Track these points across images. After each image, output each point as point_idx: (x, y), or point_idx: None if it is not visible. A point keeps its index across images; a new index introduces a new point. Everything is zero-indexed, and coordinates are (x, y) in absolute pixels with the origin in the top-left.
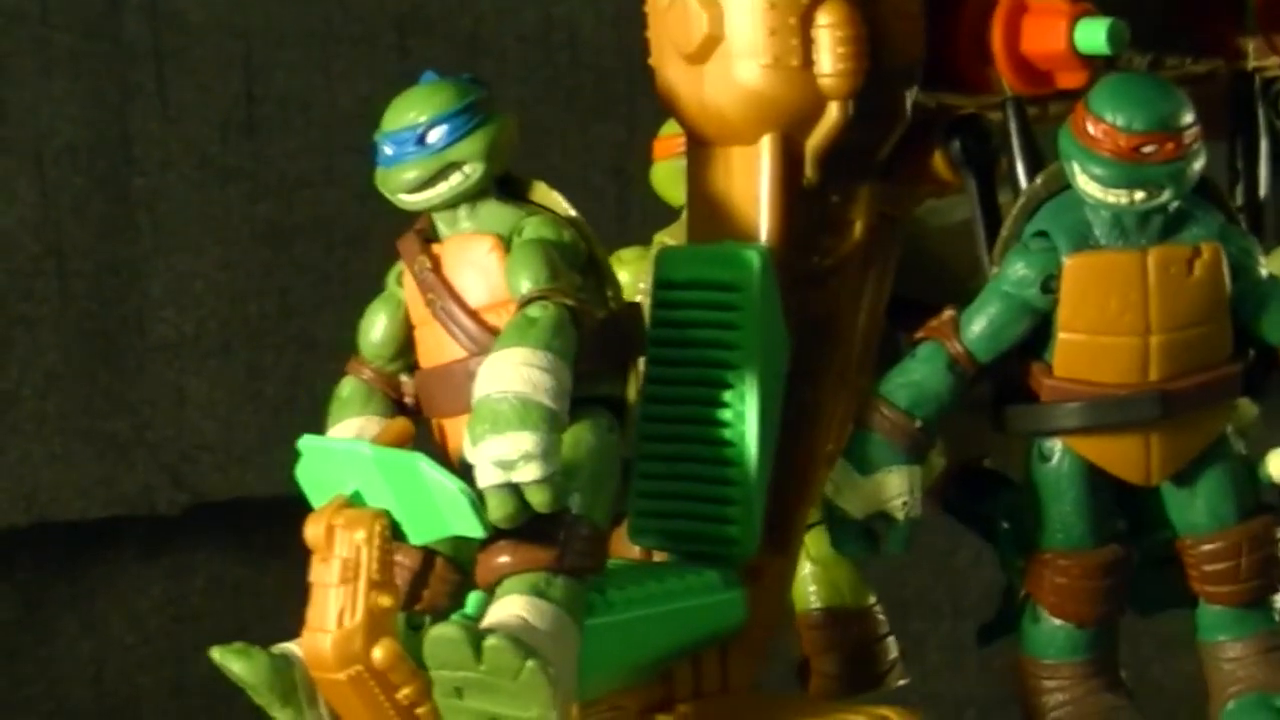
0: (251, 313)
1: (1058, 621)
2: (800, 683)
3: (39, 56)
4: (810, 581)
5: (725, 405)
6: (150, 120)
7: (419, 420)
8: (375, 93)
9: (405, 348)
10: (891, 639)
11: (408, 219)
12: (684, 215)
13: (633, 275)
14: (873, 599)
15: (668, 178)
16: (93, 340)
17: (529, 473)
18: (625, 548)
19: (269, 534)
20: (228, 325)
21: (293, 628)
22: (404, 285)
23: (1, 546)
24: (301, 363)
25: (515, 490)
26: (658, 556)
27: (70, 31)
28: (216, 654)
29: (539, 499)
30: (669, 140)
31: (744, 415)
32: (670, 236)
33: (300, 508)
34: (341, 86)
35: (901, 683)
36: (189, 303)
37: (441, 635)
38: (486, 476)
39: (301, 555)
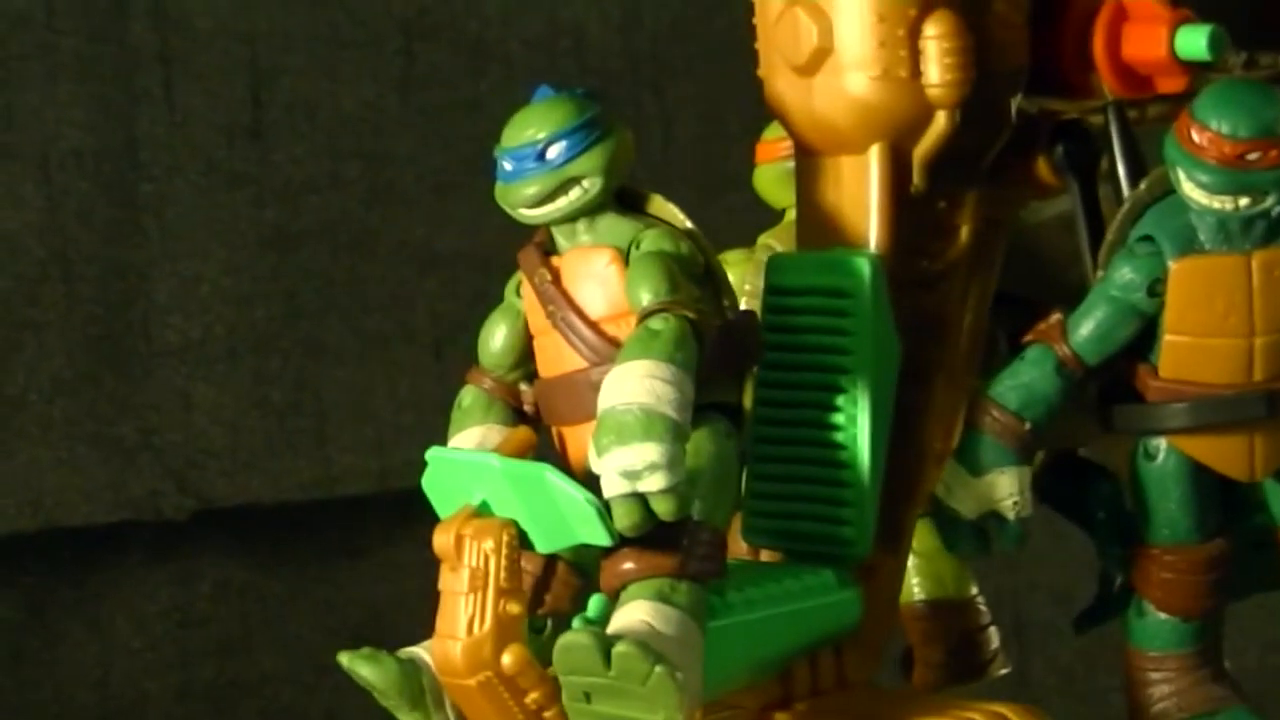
0: (258, 318)
1: (1164, 615)
2: (904, 672)
3: (45, 61)
4: (914, 574)
5: (838, 408)
6: (157, 125)
7: (539, 428)
8: (381, 97)
9: (524, 357)
10: (994, 629)
11: (412, 227)
12: (787, 218)
13: (738, 277)
14: (975, 590)
15: (772, 180)
16: (99, 345)
17: (654, 482)
18: (733, 544)
19: (275, 539)
20: (234, 330)
21: (298, 632)
22: (523, 296)
23: (8, 551)
24: (308, 368)
25: (641, 499)
26: (764, 555)
27: (76, 36)
28: (345, 659)
29: (664, 508)
30: (772, 144)
31: (856, 418)
32: (774, 239)
33: (304, 513)
34: (347, 91)
35: (1004, 672)
36: (195, 308)
37: (571, 642)
38: (613, 486)
39: (307, 560)
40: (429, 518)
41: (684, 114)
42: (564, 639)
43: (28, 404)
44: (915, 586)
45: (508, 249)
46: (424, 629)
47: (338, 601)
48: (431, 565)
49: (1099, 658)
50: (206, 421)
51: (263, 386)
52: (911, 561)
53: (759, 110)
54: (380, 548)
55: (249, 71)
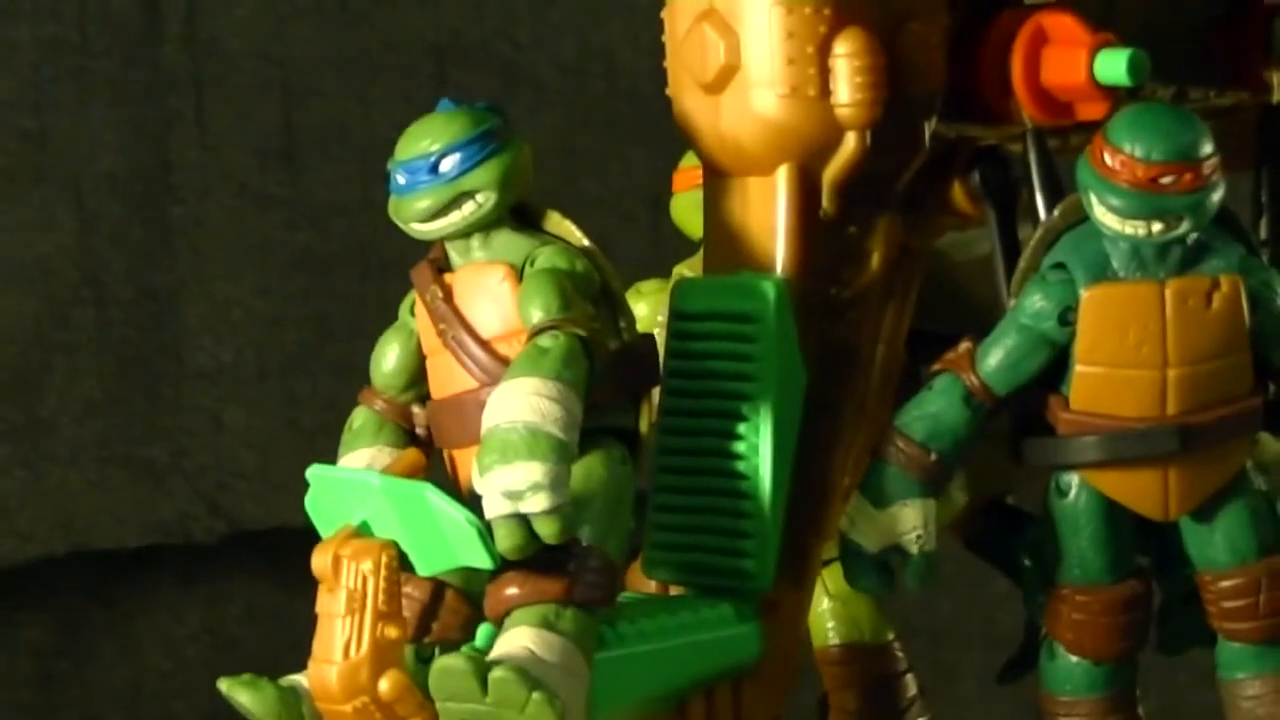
0: (289, 340)
1: (1075, 658)
2: (820, 719)
3: (78, 84)
4: (829, 617)
5: (741, 437)
6: (189, 148)
7: (431, 451)
8: (413, 120)
9: (417, 378)
10: (911, 675)
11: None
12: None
13: (651, 307)
14: (891, 635)
15: (687, 209)
16: (130, 368)
17: (537, 503)
18: (641, 581)
19: (305, 562)
20: (265, 353)
21: None
22: (416, 315)
23: (39, 573)
24: (338, 390)
25: (524, 521)
26: (674, 590)
27: (109, 59)
28: (224, 685)
29: (547, 530)
30: (689, 172)
31: (759, 447)
32: (690, 269)
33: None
34: (379, 115)
35: (922, 719)
36: (227, 330)
37: (447, 666)
38: (495, 507)
39: None
40: None
41: None
42: (440, 663)
43: (59, 426)
44: (830, 630)
45: None
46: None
47: None
48: None
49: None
50: (237, 444)
51: (293, 409)
52: (827, 604)
53: None
54: None
55: (281, 94)
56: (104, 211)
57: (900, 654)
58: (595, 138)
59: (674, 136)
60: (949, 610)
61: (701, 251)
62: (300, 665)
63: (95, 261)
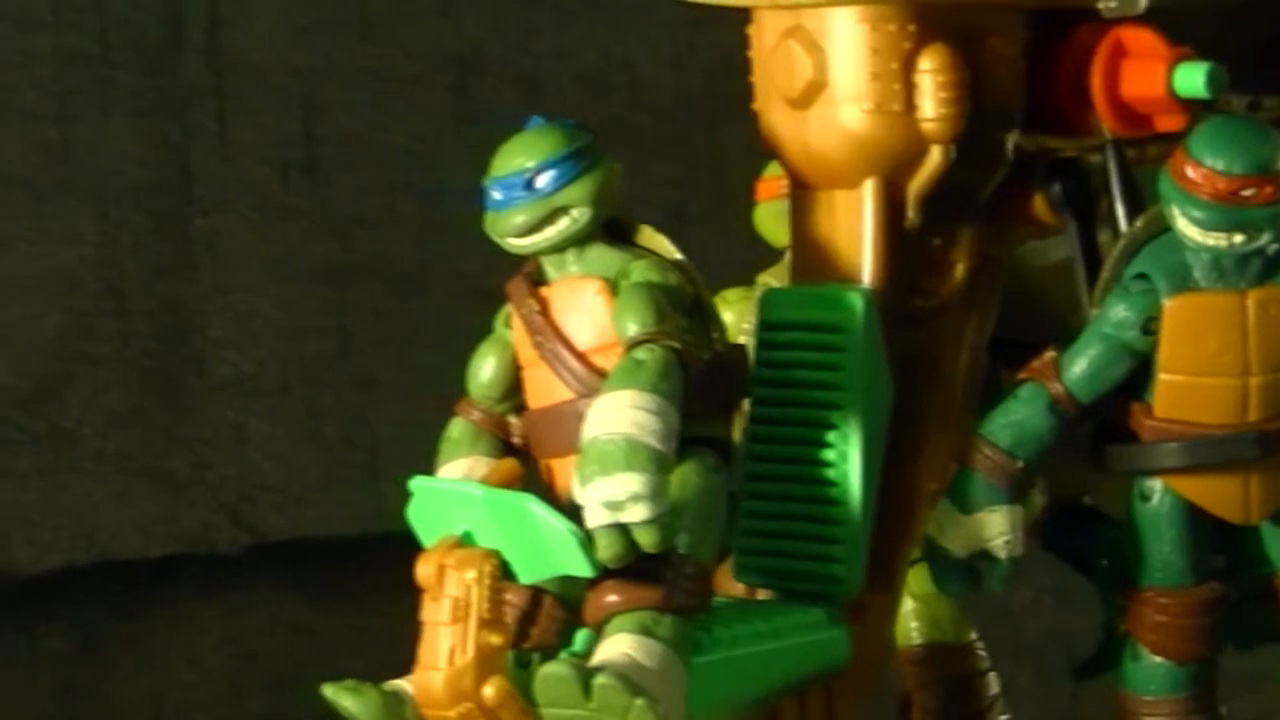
0: (311, 352)
1: (1157, 659)
2: (901, 718)
3: (100, 96)
4: (912, 617)
5: (829, 445)
6: (210, 160)
7: (526, 460)
8: (434, 132)
9: (513, 389)
10: (993, 675)
11: (465, 261)
12: (787, 256)
13: (736, 315)
14: (974, 635)
15: (770, 218)
16: (153, 379)
17: (637, 513)
18: (729, 585)
19: (328, 574)
20: (287, 365)
21: (350, 666)
22: (512, 327)
23: (61, 584)
24: (361, 402)
25: (623, 530)
26: (760, 594)
27: (131, 71)
28: (329, 691)
29: (646, 539)
30: (772, 182)
31: (848, 455)
32: (774, 277)
33: (356, 547)
34: (401, 126)
35: (1002, 718)
36: (249, 342)
37: (551, 673)
38: (595, 517)
39: (360, 595)
40: None
41: (737, 151)
42: (544, 670)
43: (81, 438)
44: (913, 630)
45: None
46: None
47: (390, 636)
48: None
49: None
50: (259, 456)
51: (316, 420)
52: (909, 605)
53: None
54: None
55: (302, 106)
56: (126, 223)
57: (982, 653)
58: (616, 150)
59: (695, 148)
60: (977, 620)
61: (785, 260)
62: (323, 676)
63: (117, 273)
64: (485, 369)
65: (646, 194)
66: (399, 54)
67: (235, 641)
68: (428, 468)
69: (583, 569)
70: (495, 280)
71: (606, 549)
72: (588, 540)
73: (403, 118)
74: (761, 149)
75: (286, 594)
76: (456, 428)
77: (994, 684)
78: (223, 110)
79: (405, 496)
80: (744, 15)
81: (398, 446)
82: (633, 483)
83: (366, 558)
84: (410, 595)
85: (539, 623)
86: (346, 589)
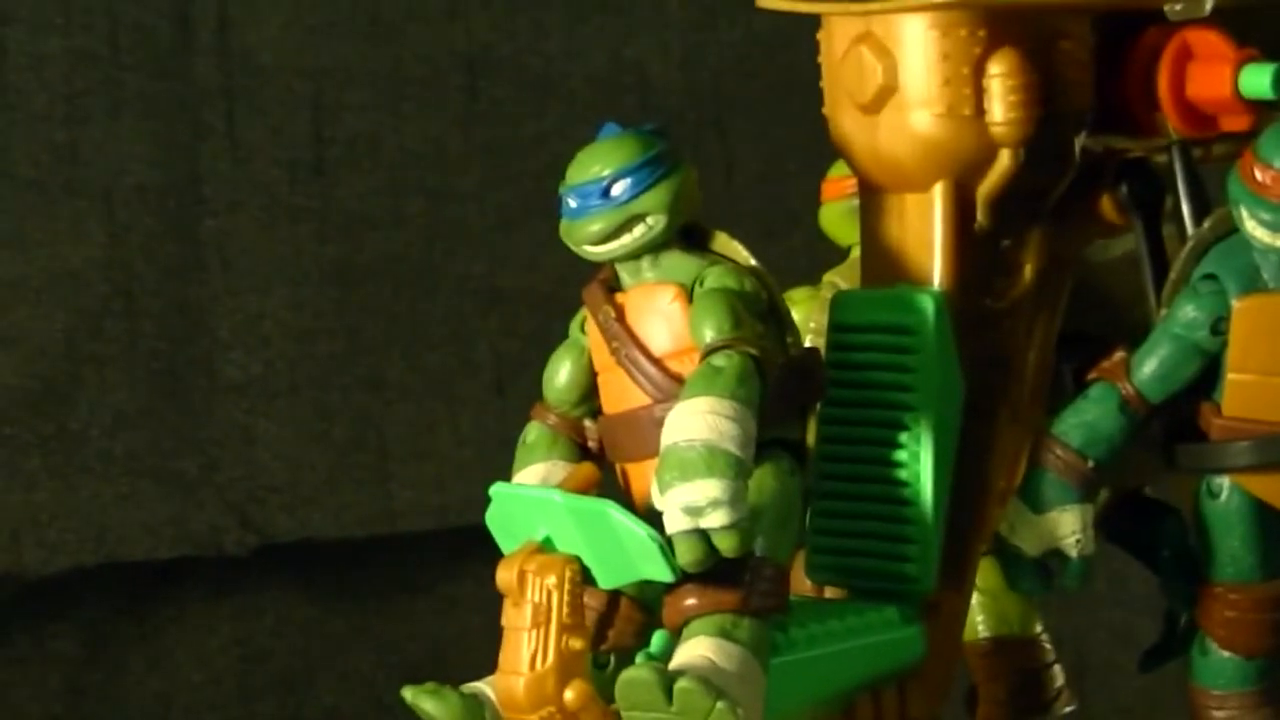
0: (320, 353)
1: (1227, 653)
2: (968, 710)
3: (109, 97)
4: (979, 610)
5: (901, 445)
6: (220, 161)
7: (603, 465)
8: (444, 133)
9: (589, 394)
10: (1058, 666)
11: (473, 263)
12: (852, 255)
13: (803, 314)
14: (1039, 627)
15: (836, 218)
16: (161, 380)
17: (717, 519)
18: (798, 582)
19: (336, 574)
20: (296, 366)
21: (359, 667)
22: (587, 333)
23: (70, 585)
24: (369, 403)
25: (703, 536)
26: (829, 592)
27: (140, 72)
28: (409, 694)
29: (727, 544)
30: (837, 182)
31: (920, 455)
32: (839, 277)
33: (365, 548)
34: (410, 127)
35: (1068, 710)
36: (257, 343)
37: (634, 677)
38: (675, 523)
39: (368, 595)
40: (489, 554)
41: (746, 152)
42: (626, 674)
43: (90, 439)
44: (980, 624)
45: (570, 285)
46: (484, 664)
47: (398, 637)
48: (493, 601)
49: (1161, 697)
50: (268, 457)
51: (324, 422)
52: (976, 599)
53: (821, 149)
54: (441, 583)
55: (312, 107)
56: (135, 224)
57: (1048, 645)
58: None
59: (705, 149)
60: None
61: (850, 260)
62: (332, 676)
63: (126, 274)
64: (561, 374)
65: None
66: (408, 55)
67: (244, 642)
68: (435, 469)
69: (663, 574)
70: (504, 281)
71: (687, 554)
72: (668, 546)
73: (412, 119)
74: (829, 152)
75: (295, 595)
76: (533, 432)
77: (1060, 676)
78: (232, 112)
79: (413, 497)
80: (812, 20)
81: (406, 447)
82: (713, 489)
83: (375, 558)
84: (418, 596)
85: (616, 625)
86: (355, 589)
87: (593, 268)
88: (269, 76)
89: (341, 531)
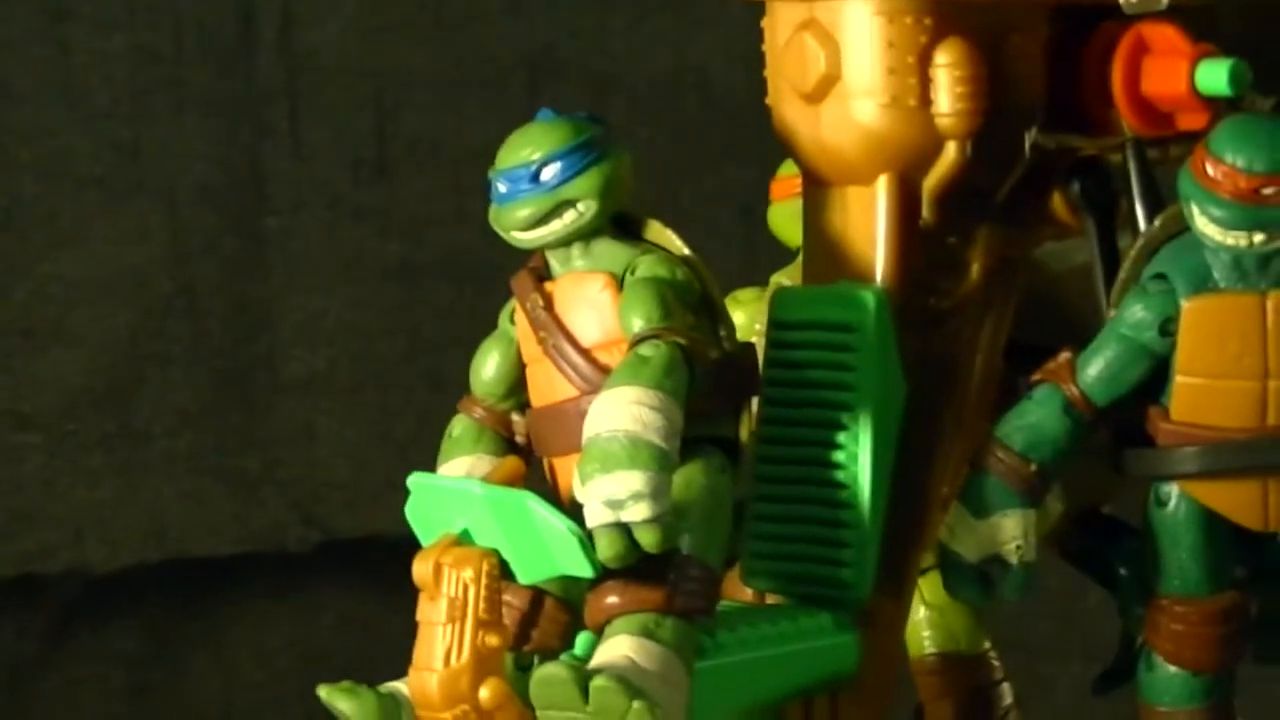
0: (382, 352)
1: (1174, 668)
2: None
3: (173, 96)
4: (925, 626)
5: (840, 446)
6: (282, 159)
7: (530, 459)
8: (506, 133)
9: (517, 386)
10: (1007, 685)
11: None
12: (800, 257)
13: (749, 316)
14: (988, 644)
15: (786, 218)
16: (224, 378)
17: (638, 512)
18: (738, 590)
19: (398, 572)
20: (358, 364)
21: None
22: (516, 323)
23: (132, 583)
24: (431, 402)
25: (625, 530)
26: (770, 599)
27: (204, 71)
28: (324, 692)
29: (648, 539)
30: (787, 181)
31: (859, 457)
32: (787, 277)
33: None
34: (472, 127)
35: None
36: (320, 341)
37: (548, 675)
38: (596, 515)
39: None
40: None
41: None
42: (540, 672)
43: (153, 437)
44: (926, 640)
45: None
46: None
47: None
48: None
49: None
50: (330, 454)
51: (386, 420)
52: (923, 614)
53: None
54: None
55: (374, 107)
56: (198, 222)
57: (996, 663)
58: (688, 151)
59: (767, 149)
60: (1047, 624)
61: (798, 261)
62: (394, 675)
63: (189, 272)
64: (488, 366)
65: (719, 195)
66: (471, 55)
67: (306, 640)
68: None
69: (583, 569)
70: None
71: (607, 549)
72: (589, 540)
73: (474, 118)
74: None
75: (357, 593)
76: (459, 425)
77: (1008, 694)
78: (295, 110)
79: None
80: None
81: None
82: (634, 481)
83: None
84: None
85: (540, 625)
86: (416, 588)
87: (519, 258)
88: (332, 75)
89: (403, 529)
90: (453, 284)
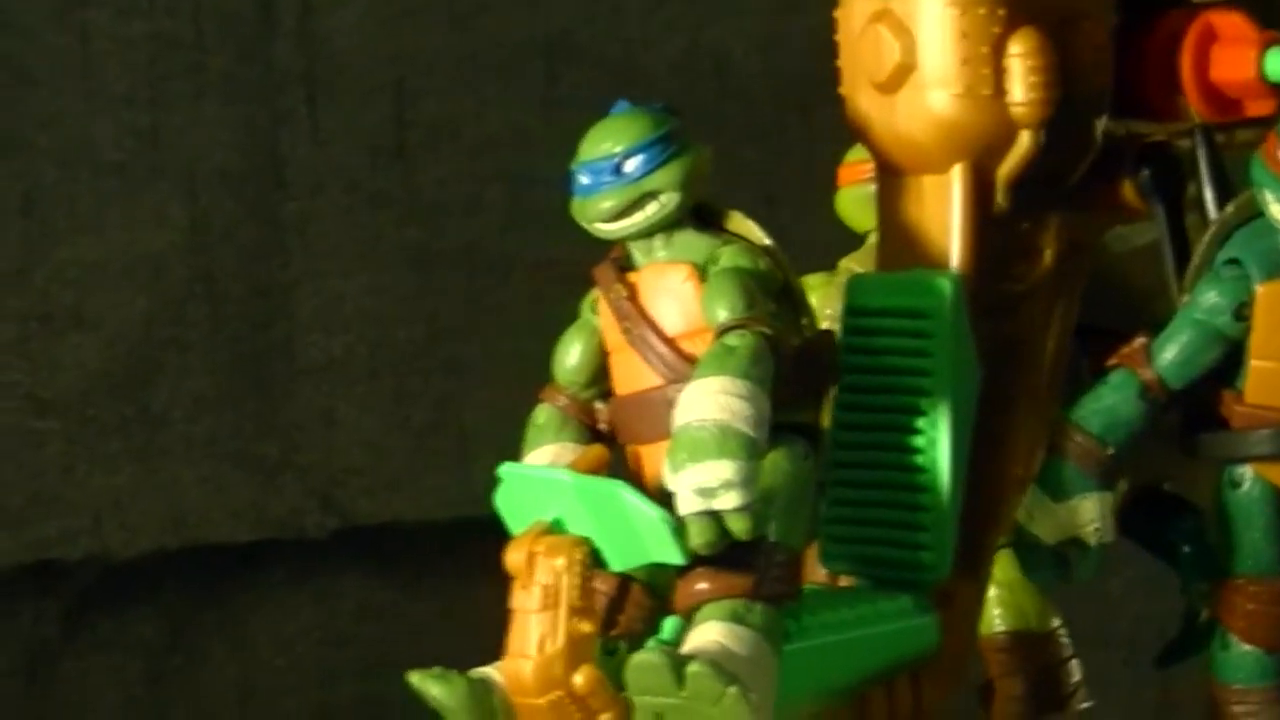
0: (400, 337)
1: (1247, 647)
2: (983, 705)
3: (192, 81)
4: (995, 604)
5: (917, 431)
6: (301, 145)
7: (612, 447)
8: (524, 119)
9: (599, 374)
10: (1075, 662)
11: (553, 248)
12: (869, 241)
13: (819, 301)
14: (1057, 622)
15: (853, 203)
16: (242, 364)
17: (729, 500)
18: (812, 571)
19: (417, 558)
20: (376, 350)
21: (440, 651)
22: (599, 313)
23: (151, 569)
24: (449, 388)
25: (715, 517)
26: (843, 581)
27: (223, 56)
28: (415, 678)
29: (738, 526)
30: (854, 166)
31: (936, 441)
32: (856, 263)
33: (446, 532)
34: (491, 113)
35: (1084, 706)
36: (338, 327)
37: (645, 661)
38: (687, 504)
39: (449, 579)
40: None
41: (829, 136)
42: (637, 658)
43: (171, 422)
44: (996, 617)
45: None
46: None
47: (479, 621)
48: None
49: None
50: (348, 440)
51: (404, 406)
52: (993, 592)
53: None
54: None
55: (393, 92)
56: (217, 208)
57: (1065, 640)
58: (706, 137)
59: (785, 135)
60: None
61: (867, 245)
62: (412, 660)
63: (208, 258)
64: (571, 355)
65: (736, 180)
66: (489, 40)
67: (324, 626)
68: (516, 452)
69: (674, 556)
70: (584, 267)
71: (698, 536)
72: (679, 527)
73: (492, 104)
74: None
75: (376, 579)
76: (542, 414)
77: (1077, 671)
78: (313, 96)
79: (494, 481)
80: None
81: (486, 431)
82: (725, 469)
83: (456, 542)
84: (500, 580)
85: (626, 610)
86: (436, 574)
87: (606, 248)
88: (350, 61)
89: (422, 515)
90: (471, 270)
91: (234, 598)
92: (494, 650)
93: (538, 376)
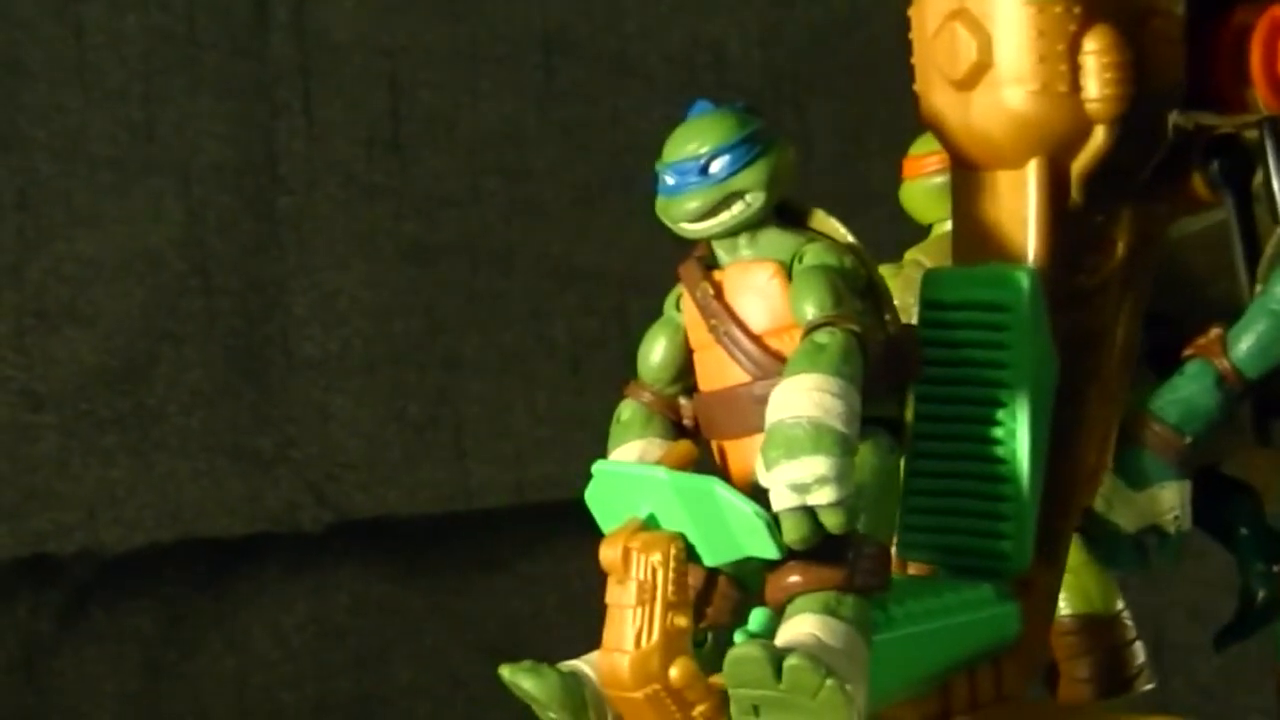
0: (396, 331)
1: None
2: (1048, 688)
3: (187, 75)
4: (1062, 588)
5: (996, 423)
6: (296, 139)
7: (697, 442)
8: (521, 112)
9: (684, 371)
10: (1139, 643)
11: (550, 242)
12: (934, 232)
13: None
14: (1121, 605)
15: (918, 196)
16: (238, 357)
17: (823, 496)
18: None
19: (413, 551)
20: (372, 344)
21: (435, 644)
22: (683, 310)
23: (147, 562)
24: (445, 382)
25: (810, 513)
26: (912, 569)
27: (218, 51)
28: (506, 672)
29: (833, 521)
30: (918, 160)
31: (1015, 432)
32: (923, 254)
33: (441, 525)
34: (487, 106)
35: (1149, 687)
36: (334, 321)
37: (743, 654)
38: (781, 500)
39: (444, 573)
40: (566, 530)
41: (824, 130)
42: (735, 651)
43: (167, 416)
44: (1062, 601)
45: (646, 264)
46: (561, 640)
47: (474, 614)
48: (569, 578)
49: (1239, 676)
50: (344, 434)
51: (400, 399)
52: None
53: (900, 126)
54: (517, 560)
55: (388, 85)
56: (212, 202)
57: (1129, 623)
58: None
59: (782, 127)
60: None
61: (932, 238)
62: (408, 653)
63: (203, 252)
64: (656, 351)
65: None
66: (485, 33)
67: (320, 619)
68: (511, 446)
69: (769, 551)
70: (581, 260)
71: (793, 531)
72: (774, 523)
73: (489, 97)
74: (852, 129)
75: (371, 572)
76: (628, 410)
77: (1141, 653)
78: (308, 90)
79: (489, 474)
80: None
81: (482, 425)
82: (819, 465)
83: (451, 536)
84: (494, 573)
85: (713, 603)
86: (431, 567)
87: (675, 246)
88: (345, 55)
89: (418, 508)
90: (468, 264)
91: (229, 591)
92: (488, 642)
93: (534, 369)
